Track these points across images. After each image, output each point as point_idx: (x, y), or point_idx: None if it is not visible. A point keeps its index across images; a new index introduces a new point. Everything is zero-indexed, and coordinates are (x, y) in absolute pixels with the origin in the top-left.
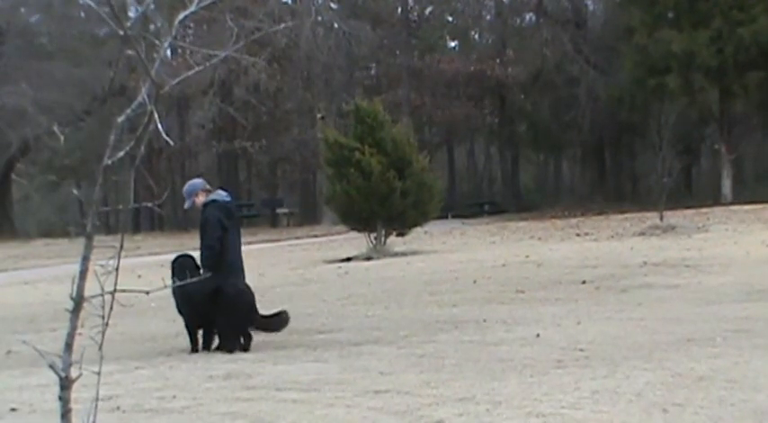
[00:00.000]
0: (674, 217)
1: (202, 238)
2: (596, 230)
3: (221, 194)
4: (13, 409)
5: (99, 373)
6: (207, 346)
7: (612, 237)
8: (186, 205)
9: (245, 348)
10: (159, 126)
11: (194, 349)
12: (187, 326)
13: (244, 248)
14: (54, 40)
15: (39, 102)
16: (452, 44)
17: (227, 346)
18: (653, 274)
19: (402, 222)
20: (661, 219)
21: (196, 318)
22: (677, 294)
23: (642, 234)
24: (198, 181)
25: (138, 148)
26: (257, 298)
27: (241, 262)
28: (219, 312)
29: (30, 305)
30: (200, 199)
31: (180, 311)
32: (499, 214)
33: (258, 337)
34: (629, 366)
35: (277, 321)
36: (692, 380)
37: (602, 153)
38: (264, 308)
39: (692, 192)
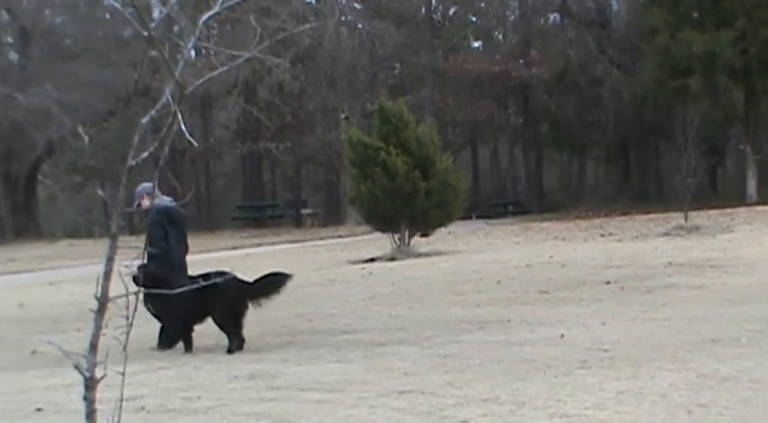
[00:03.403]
0: (698, 217)
1: (149, 238)
2: (620, 231)
3: (165, 200)
4: (38, 409)
5: (123, 374)
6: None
7: (637, 237)
8: (133, 206)
9: (231, 350)
10: (183, 127)
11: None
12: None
13: (268, 249)
14: (79, 41)
15: (63, 103)
16: (476, 44)
17: (166, 343)
18: (677, 275)
19: (426, 223)
20: (686, 219)
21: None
22: (702, 295)
23: (667, 234)
24: (146, 185)
25: (162, 149)
26: (280, 299)
27: (183, 259)
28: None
29: (55, 306)
30: (145, 202)
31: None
32: (523, 215)
33: (282, 337)
34: (653, 367)
35: (271, 283)
36: (716, 380)
37: (627, 153)
38: (289, 308)
39: (716, 192)
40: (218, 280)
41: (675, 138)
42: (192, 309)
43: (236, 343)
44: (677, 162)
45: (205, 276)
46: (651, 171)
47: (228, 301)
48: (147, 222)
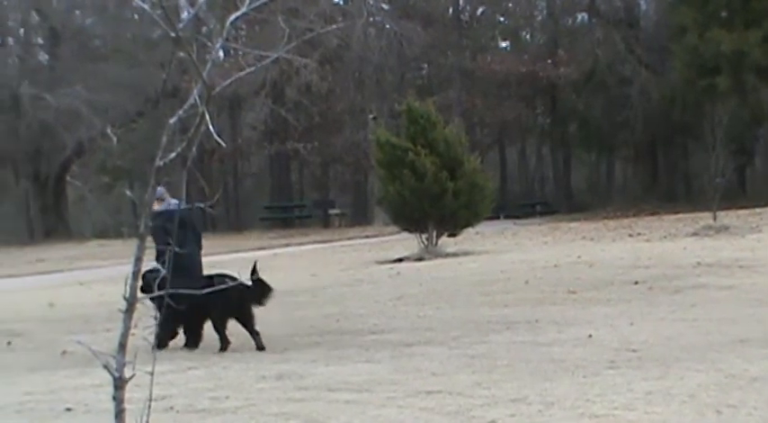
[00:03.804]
0: (727, 217)
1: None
2: (649, 231)
3: (170, 204)
4: (68, 409)
5: (152, 374)
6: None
7: (665, 237)
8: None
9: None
10: (211, 127)
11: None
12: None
13: (295, 249)
14: (108, 42)
15: (93, 103)
16: (504, 44)
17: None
18: (706, 275)
19: (454, 223)
20: (714, 219)
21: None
22: (731, 295)
23: (695, 234)
24: (159, 189)
25: (190, 150)
26: (309, 299)
27: (194, 260)
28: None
29: (84, 306)
30: (155, 206)
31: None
32: (551, 215)
33: (310, 337)
34: (682, 367)
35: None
36: (745, 381)
37: (655, 153)
38: (317, 308)
39: (745, 192)
40: (231, 284)
41: (704, 137)
42: (190, 311)
43: (225, 345)
44: (706, 162)
45: (207, 278)
46: (680, 171)
47: (226, 305)
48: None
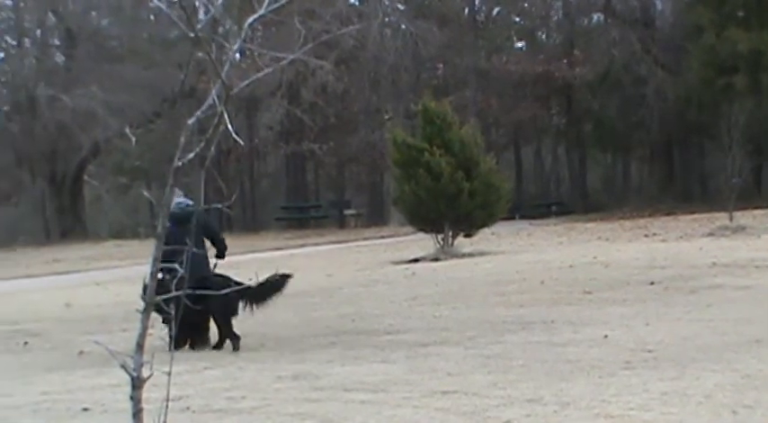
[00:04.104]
0: (743, 217)
1: None
2: (665, 231)
3: (176, 203)
4: (85, 409)
5: (169, 374)
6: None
7: (681, 237)
8: None
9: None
10: (230, 126)
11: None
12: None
13: (311, 249)
14: (124, 42)
15: (109, 104)
16: (519, 45)
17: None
18: (722, 275)
19: (469, 223)
20: (731, 219)
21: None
22: (747, 295)
23: (711, 235)
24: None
25: (208, 150)
26: (324, 299)
27: (198, 258)
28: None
29: (101, 306)
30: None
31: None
32: (566, 215)
33: (326, 337)
34: (698, 368)
35: (272, 286)
36: (761, 381)
37: (671, 153)
38: (332, 308)
39: (761, 192)
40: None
41: (720, 137)
42: (188, 310)
43: (224, 343)
44: (722, 162)
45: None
46: (696, 171)
47: (223, 303)
48: None
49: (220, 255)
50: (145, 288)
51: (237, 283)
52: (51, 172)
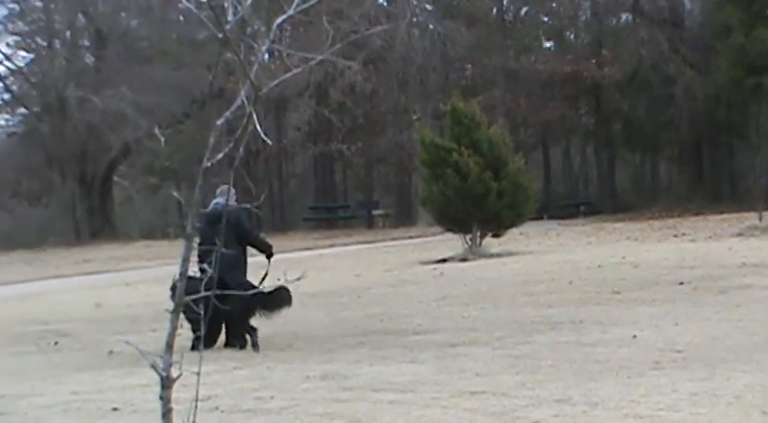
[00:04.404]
0: None
1: None
2: (694, 231)
3: (213, 203)
4: (115, 409)
5: (199, 374)
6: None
7: (710, 237)
8: None
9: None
10: (258, 127)
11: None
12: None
13: (339, 250)
14: (154, 43)
15: (139, 105)
16: (548, 44)
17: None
18: (752, 275)
19: (497, 223)
20: (760, 219)
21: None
22: None
23: (740, 235)
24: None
25: (237, 150)
26: (353, 299)
27: (229, 260)
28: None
29: (131, 306)
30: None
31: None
32: (595, 215)
33: (354, 338)
34: (727, 368)
35: (277, 299)
36: None
37: (700, 153)
38: (361, 309)
39: None
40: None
41: (749, 137)
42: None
43: (246, 343)
44: (751, 162)
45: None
46: (725, 171)
47: (243, 304)
48: None
49: (266, 256)
50: (175, 287)
51: (253, 286)
52: (81, 173)
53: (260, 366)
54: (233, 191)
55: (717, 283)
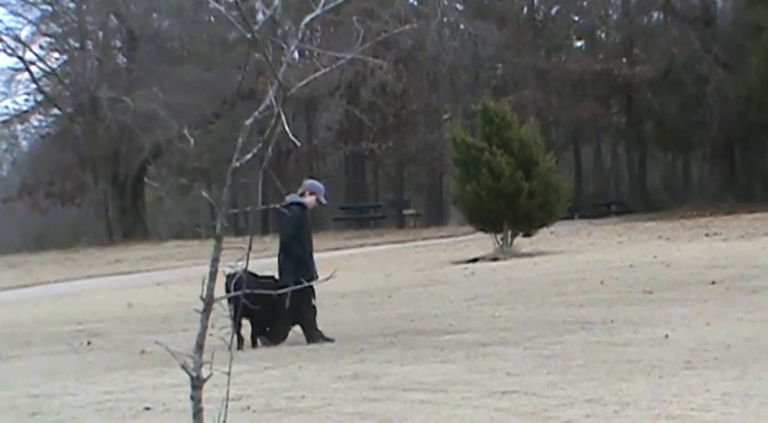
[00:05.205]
0: None
1: None
2: (726, 230)
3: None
4: (147, 408)
5: (229, 374)
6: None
7: (743, 237)
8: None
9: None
10: (286, 127)
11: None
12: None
13: (370, 249)
14: (185, 44)
15: (170, 105)
16: (579, 44)
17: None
18: None
19: (529, 223)
20: None
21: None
22: None
23: None
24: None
25: (266, 150)
26: (383, 299)
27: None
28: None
29: (162, 306)
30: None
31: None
32: (626, 214)
33: (385, 337)
34: (760, 368)
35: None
36: None
37: (732, 152)
38: (392, 308)
39: None
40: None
41: None
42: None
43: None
44: None
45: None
46: (757, 170)
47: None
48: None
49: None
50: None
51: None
52: (114, 173)
53: (291, 366)
54: (312, 183)
55: (749, 282)
